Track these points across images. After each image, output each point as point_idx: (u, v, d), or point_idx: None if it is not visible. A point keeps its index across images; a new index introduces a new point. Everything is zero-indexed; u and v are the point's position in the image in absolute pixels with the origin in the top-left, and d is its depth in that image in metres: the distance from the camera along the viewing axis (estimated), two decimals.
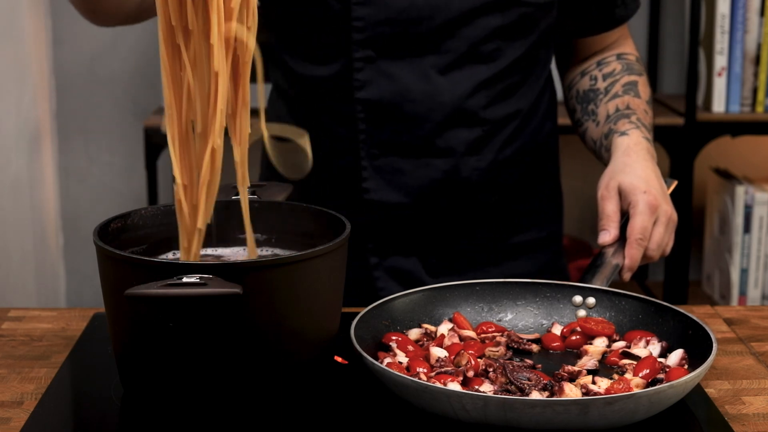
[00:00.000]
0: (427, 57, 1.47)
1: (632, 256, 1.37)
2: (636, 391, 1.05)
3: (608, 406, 1.01)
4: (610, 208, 1.42)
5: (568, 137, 1.93)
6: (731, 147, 3.14)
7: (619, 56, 1.61)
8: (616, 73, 1.59)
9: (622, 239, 1.40)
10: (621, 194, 1.42)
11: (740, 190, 2.93)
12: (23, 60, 2.77)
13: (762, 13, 2.84)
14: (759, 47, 2.86)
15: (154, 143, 2.84)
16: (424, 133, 1.49)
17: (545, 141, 1.60)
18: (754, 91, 2.88)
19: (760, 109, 2.88)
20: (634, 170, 1.43)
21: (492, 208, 1.54)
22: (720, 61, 2.85)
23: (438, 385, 1.06)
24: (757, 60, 2.86)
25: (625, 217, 1.42)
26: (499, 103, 1.51)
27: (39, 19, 2.94)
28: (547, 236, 1.62)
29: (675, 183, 1.51)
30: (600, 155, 1.55)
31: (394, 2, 1.45)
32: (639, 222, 1.38)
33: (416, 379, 1.07)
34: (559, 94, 1.68)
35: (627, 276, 1.39)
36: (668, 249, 1.42)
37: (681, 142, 2.84)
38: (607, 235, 1.40)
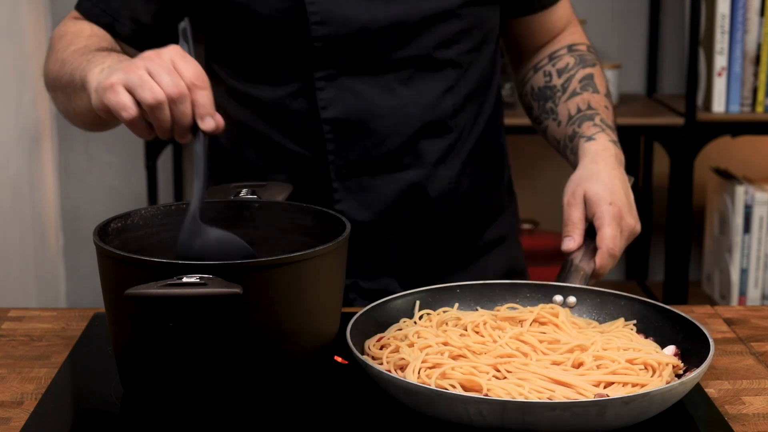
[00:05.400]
0: (390, 70, 1.45)
1: (604, 266, 1.39)
2: (650, 389, 1.06)
3: (625, 405, 1.02)
4: (575, 216, 1.42)
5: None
6: (731, 147, 3.14)
7: (570, 48, 1.60)
8: (570, 68, 1.58)
9: (587, 246, 1.41)
10: (586, 203, 1.43)
11: (740, 190, 2.93)
12: (23, 60, 2.77)
13: (762, 13, 2.84)
14: (759, 47, 2.86)
15: (154, 143, 2.84)
16: (395, 147, 1.47)
17: (501, 140, 1.61)
18: (754, 91, 2.88)
19: (760, 109, 2.88)
20: (601, 179, 1.43)
21: (458, 213, 1.54)
22: (720, 61, 2.85)
23: (453, 391, 1.05)
24: (757, 60, 2.86)
25: (588, 224, 1.43)
26: (465, 109, 1.51)
27: (39, 19, 2.94)
28: (508, 231, 1.63)
29: (632, 179, 1.51)
30: (565, 155, 1.55)
31: (354, 19, 1.42)
32: (609, 233, 1.39)
33: (429, 386, 1.05)
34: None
35: (592, 282, 1.40)
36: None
37: (681, 142, 2.83)
38: (572, 241, 1.41)
